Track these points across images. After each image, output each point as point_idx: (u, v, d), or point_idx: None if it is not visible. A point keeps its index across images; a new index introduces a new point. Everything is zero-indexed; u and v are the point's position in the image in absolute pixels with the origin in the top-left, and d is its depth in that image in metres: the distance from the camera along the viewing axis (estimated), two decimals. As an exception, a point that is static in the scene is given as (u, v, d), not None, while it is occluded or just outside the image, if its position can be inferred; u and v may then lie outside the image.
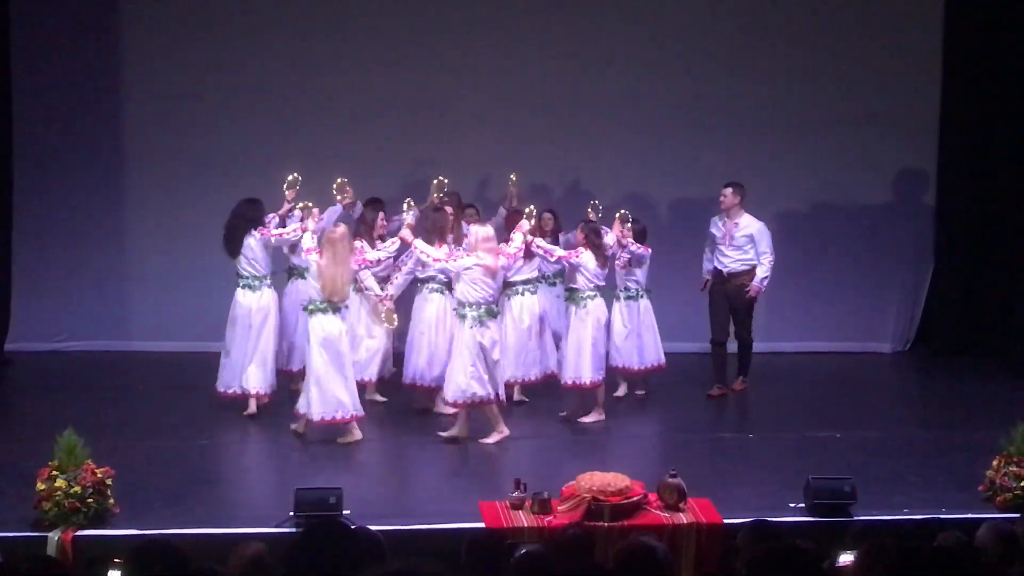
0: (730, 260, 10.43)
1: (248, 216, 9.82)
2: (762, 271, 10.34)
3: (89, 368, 11.17)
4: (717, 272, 10.49)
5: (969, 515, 7.51)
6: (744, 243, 10.37)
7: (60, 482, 7.24)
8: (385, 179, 11.71)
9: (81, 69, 11.54)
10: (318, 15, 11.70)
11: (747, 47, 11.98)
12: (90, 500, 7.27)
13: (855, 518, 7.62)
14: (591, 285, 9.60)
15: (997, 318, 12.04)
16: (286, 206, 10.02)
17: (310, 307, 9.07)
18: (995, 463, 8.05)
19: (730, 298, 10.49)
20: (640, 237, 10.10)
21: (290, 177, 9.99)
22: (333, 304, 9.04)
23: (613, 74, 11.94)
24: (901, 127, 12.13)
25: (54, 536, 7.14)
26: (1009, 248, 11.94)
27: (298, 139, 11.71)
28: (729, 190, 10.39)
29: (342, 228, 9.28)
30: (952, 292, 12.21)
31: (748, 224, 10.39)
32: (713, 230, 10.53)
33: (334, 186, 10.16)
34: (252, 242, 9.77)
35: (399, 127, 11.77)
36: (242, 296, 9.74)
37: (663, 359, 10.33)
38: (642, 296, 10.23)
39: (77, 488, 7.23)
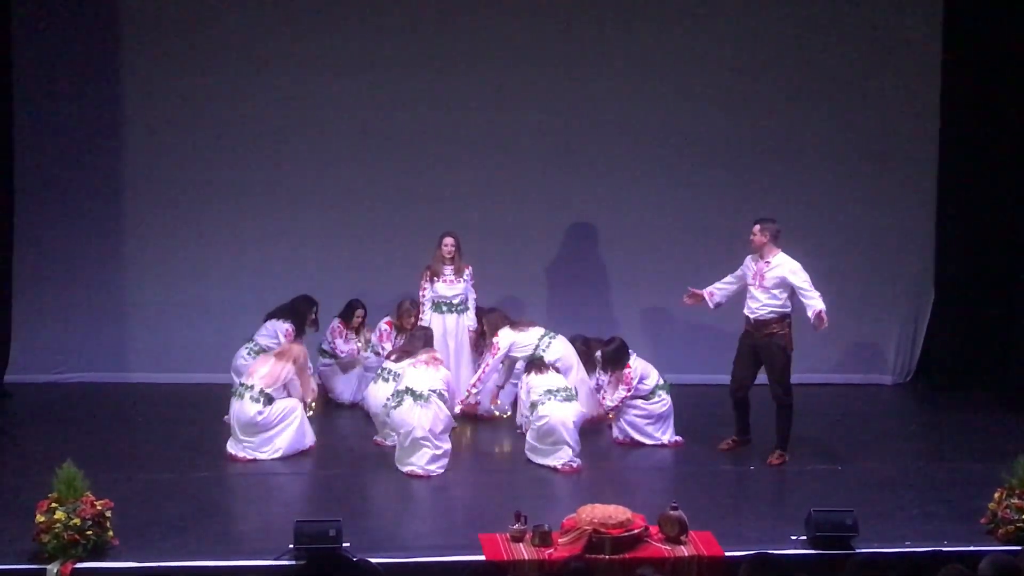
0: (758, 304, 9.45)
1: (293, 307, 10.74)
2: (816, 302, 9.23)
3: (89, 400, 11.15)
4: (746, 319, 9.60)
5: (971, 548, 7.54)
6: (774, 285, 9.37)
7: (59, 514, 7.24)
8: (386, 211, 11.80)
9: (82, 100, 11.57)
10: (321, 48, 11.73)
11: (745, 80, 12.02)
12: (89, 532, 7.27)
13: (857, 551, 7.62)
14: None
15: (998, 350, 12.03)
16: (351, 340, 11.01)
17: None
18: (997, 496, 8.05)
19: (759, 351, 9.52)
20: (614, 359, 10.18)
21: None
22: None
23: (614, 108, 11.98)
24: (901, 159, 12.18)
25: (53, 569, 7.15)
26: (1010, 280, 11.95)
27: (299, 171, 11.76)
28: (757, 227, 9.47)
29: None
30: (953, 324, 12.21)
31: (780, 263, 9.40)
32: (744, 270, 9.64)
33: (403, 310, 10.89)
34: (275, 328, 10.65)
35: (401, 160, 11.82)
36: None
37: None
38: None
39: (76, 520, 7.23)
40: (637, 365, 10.12)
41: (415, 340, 10.08)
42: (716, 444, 10.03)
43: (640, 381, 10.07)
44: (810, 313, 9.26)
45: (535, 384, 9.68)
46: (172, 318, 11.72)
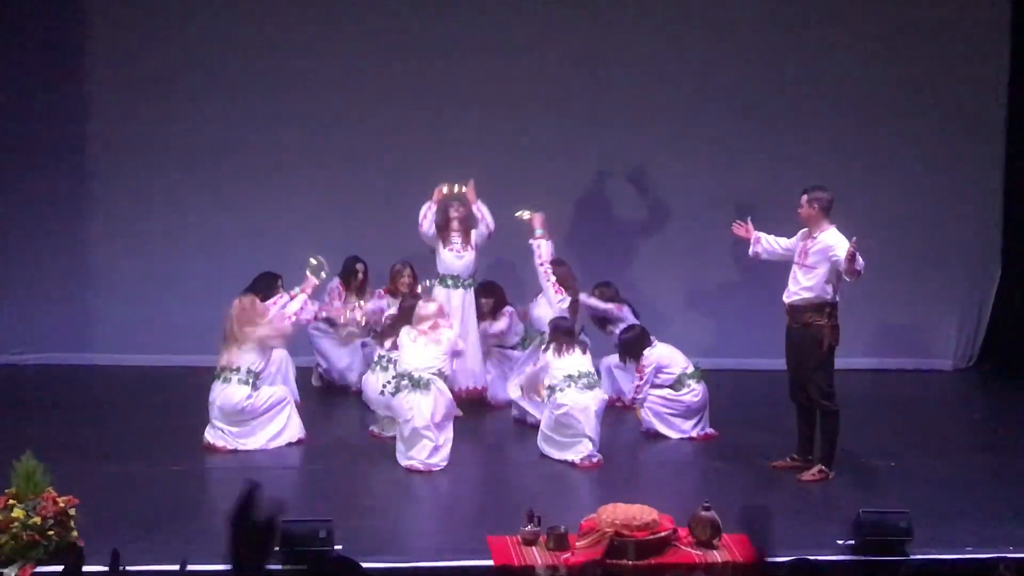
0: (796, 287, 9.02)
1: (255, 288, 10.32)
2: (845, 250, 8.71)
3: (51, 384, 11.19)
4: (783, 306, 9.22)
5: (1038, 554, 7.53)
6: (816, 262, 8.92)
7: (18, 512, 7.25)
8: (385, 171, 11.79)
9: (42, 56, 11.57)
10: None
11: (789, 27, 12.00)
12: (51, 532, 7.28)
13: (911, 557, 7.62)
14: None
15: (1072, 332, 12.05)
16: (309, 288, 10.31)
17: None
18: (1068, 495, 8.06)
19: (793, 345, 9.19)
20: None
21: (313, 261, 10.16)
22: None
23: (643, 56, 11.97)
24: (966, 124, 12.15)
25: (11, 572, 7.15)
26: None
27: (286, 129, 11.76)
28: (804, 197, 9.02)
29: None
30: (1021, 303, 12.20)
31: (824, 239, 8.94)
32: (795, 244, 9.21)
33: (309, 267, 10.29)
34: None
35: (389, 118, 11.82)
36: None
37: None
38: None
39: (37, 519, 7.24)
40: (654, 355, 10.17)
41: (402, 321, 10.02)
42: (752, 436, 10.03)
43: (659, 371, 10.14)
44: (843, 259, 8.64)
45: (555, 366, 9.64)
46: (143, 294, 11.77)
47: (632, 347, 10.29)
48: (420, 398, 9.23)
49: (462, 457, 9.44)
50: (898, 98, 12.12)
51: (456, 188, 10.63)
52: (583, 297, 10.81)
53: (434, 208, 10.64)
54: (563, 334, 9.77)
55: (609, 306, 10.88)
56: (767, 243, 9.44)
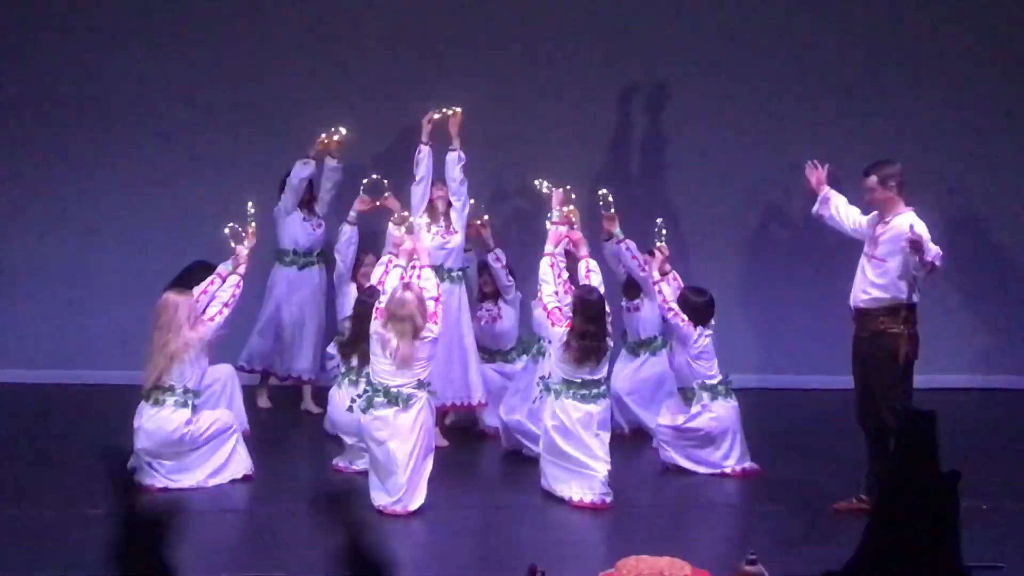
0: (864, 285, 9.12)
1: (184, 278, 10.29)
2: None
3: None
4: (850, 311, 9.31)
5: None
6: (887, 252, 9.00)
7: None
8: (354, 127, 11.67)
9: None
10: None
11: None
12: (-62, 591, 7.35)
13: (1008, 621, 7.69)
14: None
15: None
16: (242, 265, 10.14)
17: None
18: None
19: (863, 357, 9.24)
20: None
21: (252, 209, 10.15)
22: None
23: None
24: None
25: None
26: None
27: (215, 84, 11.84)
28: (873, 179, 9.08)
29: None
30: None
31: (897, 224, 8.98)
32: (867, 229, 9.29)
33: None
34: None
35: (349, 64, 12.00)
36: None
37: None
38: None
39: (-80, 574, 7.32)
40: (704, 340, 10.17)
41: (361, 322, 9.96)
42: (809, 471, 10.12)
43: (686, 344, 10.11)
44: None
45: (557, 368, 9.58)
46: (49, 295, 11.84)
47: (697, 314, 10.21)
48: (396, 417, 9.25)
49: (448, 498, 9.47)
50: (985, 59, 12.31)
51: (445, 111, 10.53)
52: (616, 246, 10.70)
53: (428, 151, 10.55)
54: (590, 321, 9.52)
55: (646, 273, 10.69)
56: (836, 209, 9.41)
